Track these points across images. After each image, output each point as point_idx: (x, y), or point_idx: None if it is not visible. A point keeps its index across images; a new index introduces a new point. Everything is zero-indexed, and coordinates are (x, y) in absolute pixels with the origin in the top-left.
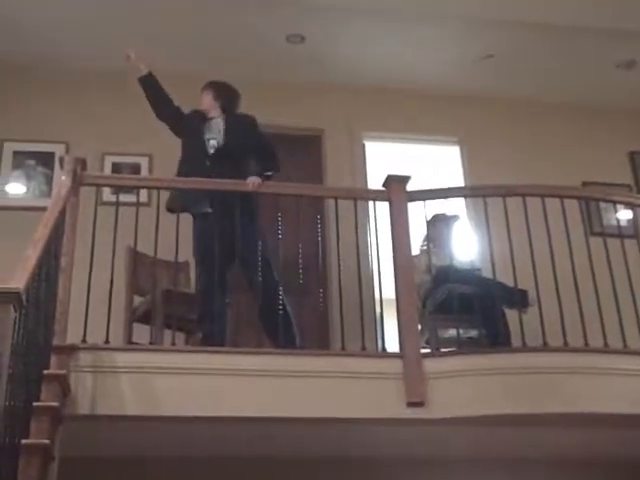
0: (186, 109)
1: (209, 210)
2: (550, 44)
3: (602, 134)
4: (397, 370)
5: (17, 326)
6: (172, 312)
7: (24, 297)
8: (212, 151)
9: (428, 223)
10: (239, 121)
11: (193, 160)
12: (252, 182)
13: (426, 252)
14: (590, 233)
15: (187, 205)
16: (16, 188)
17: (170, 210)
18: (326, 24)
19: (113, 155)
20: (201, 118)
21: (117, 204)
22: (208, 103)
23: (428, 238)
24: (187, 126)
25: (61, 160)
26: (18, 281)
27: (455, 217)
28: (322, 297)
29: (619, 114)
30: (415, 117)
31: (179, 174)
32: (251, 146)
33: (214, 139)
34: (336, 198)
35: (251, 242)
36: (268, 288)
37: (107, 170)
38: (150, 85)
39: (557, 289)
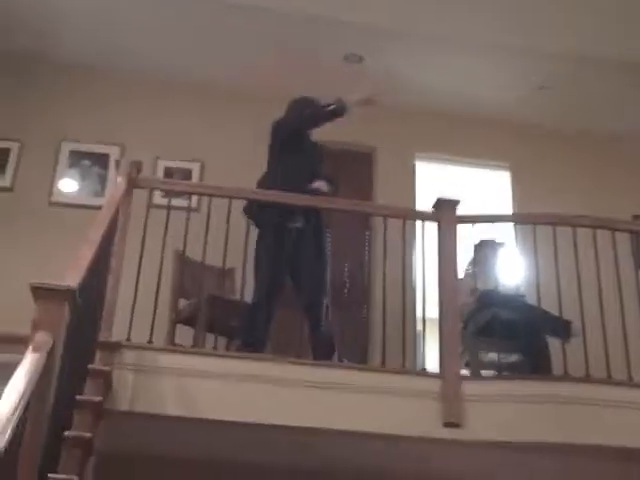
0: (239, 121)
1: (299, 225)
2: (604, 79)
3: None
4: (435, 390)
5: (70, 322)
6: (216, 317)
7: (77, 295)
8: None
9: (475, 247)
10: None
11: (300, 180)
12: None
13: (471, 275)
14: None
15: (282, 219)
16: (70, 186)
17: (257, 224)
18: (385, 46)
19: (166, 160)
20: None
21: (169, 208)
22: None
23: (474, 262)
24: (303, 145)
25: (117, 163)
26: (73, 279)
27: (501, 244)
28: (365, 312)
29: None
30: (467, 141)
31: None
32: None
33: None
34: (386, 216)
35: (320, 261)
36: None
37: (159, 173)
38: (332, 119)
39: (603, 321)
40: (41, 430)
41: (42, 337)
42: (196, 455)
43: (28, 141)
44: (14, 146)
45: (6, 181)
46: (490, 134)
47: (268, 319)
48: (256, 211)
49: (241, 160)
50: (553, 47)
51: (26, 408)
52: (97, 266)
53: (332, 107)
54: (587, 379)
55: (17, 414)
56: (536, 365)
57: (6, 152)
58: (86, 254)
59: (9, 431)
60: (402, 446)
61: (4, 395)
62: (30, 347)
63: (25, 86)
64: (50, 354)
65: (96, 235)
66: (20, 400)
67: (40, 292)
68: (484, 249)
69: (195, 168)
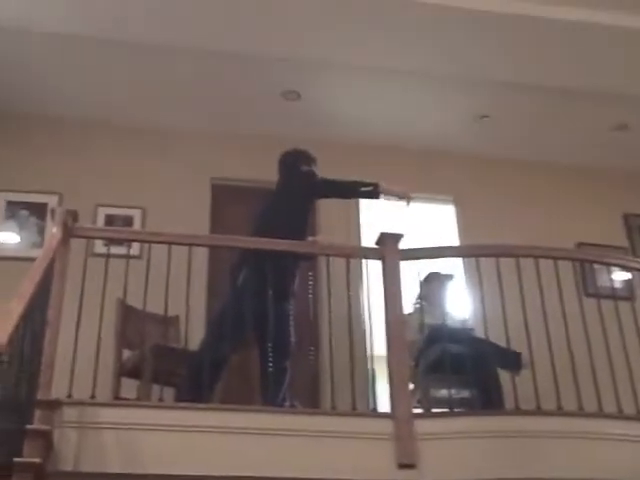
0: (180, 165)
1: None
2: (545, 106)
3: (597, 196)
4: (388, 431)
5: None
6: (161, 367)
7: (5, 352)
8: None
9: (422, 281)
10: None
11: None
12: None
13: (419, 310)
14: (584, 294)
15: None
16: (9, 238)
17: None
18: (321, 81)
19: (106, 207)
20: None
21: (108, 256)
22: None
23: (422, 296)
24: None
25: (52, 212)
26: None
27: (449, 276)
28: (313, 354)
29: (614, 176)
30: (411, 175)
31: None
32: None
33: None
34: (329, 255)
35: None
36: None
37: (100, 221)
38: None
39: (550, 351)
40: None
41: None
42: None
43: None
44: None
45: None
46: (433, 166)
47: (219, 370)
48: (260, 262)
49: (183, 205)
50: (492, 76)
51: None
52: (31, 320)
53: (368, 189)
54: (538, 412)
55: None
56: (488, 399)
57: None
58: (15, 308)
59: None
60: None
61: None
62: None
63: None
64: None
65: (27, 288)
66: None
67: None
68: (432, 282)
69: (137, 215)
